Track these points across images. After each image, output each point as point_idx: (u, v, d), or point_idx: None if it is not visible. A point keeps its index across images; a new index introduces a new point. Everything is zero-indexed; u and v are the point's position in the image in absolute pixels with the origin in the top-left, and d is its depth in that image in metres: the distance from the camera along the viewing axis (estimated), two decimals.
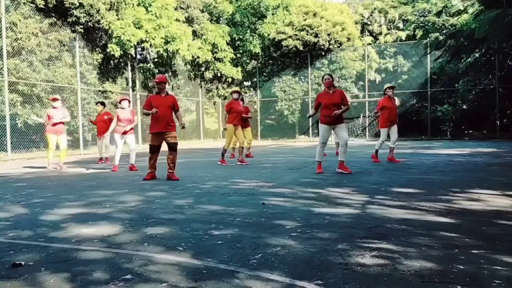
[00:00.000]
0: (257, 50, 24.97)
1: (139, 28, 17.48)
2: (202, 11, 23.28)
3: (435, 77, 22.85)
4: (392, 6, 28.24)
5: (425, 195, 4.53)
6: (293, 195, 4.78)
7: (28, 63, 14.13)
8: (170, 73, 21.41)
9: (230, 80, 24.82)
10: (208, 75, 23.86)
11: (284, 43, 23.83)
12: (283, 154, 12.73)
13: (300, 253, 2.58)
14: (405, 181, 5.80)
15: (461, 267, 2.26)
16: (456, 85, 22.32)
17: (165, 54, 19.36)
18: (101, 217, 3.81)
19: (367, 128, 23.38)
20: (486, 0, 13.92)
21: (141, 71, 20.39)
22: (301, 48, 23.68)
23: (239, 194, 4.96)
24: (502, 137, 19.72)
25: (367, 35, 27.18)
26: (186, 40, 19.73)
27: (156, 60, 20.60)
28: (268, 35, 24.44)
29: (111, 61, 18.37)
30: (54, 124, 9.21)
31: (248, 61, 26.36)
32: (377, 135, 21.87)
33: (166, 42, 18.81)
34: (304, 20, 24.00)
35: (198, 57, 21.40)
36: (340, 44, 23.81)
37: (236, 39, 24.81)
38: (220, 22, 25.79)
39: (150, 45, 18.26)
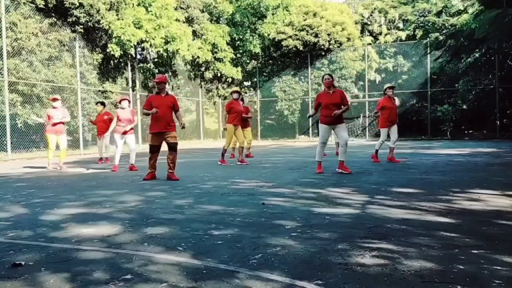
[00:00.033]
0: (257, 50, 24.97)
1: (139, 28, 17.48)
2: (202, 11, 23.28)
3: (435, 77, 22.85)
4: (392, 6, 28.25)
5: (425, 195, 4.53)
6: (293, 195, 4.78)
7: (28, 63, 14.13)
8: (170, 73, 21.41)
9: (230, 80, 24.82)
10: (208, 75, 23.86)
11: (284, 43, 23.83)
12: (283, 154, 12.73)
13: (300, 253, 2.58)
14: (405, 181, 5.80)
15: (461, 267, 2.26)
16: (456, 85, 22.32)
17: (165, 54, 19.36)
18: (101, 217, 3.81)
19: (367, 128, 23.38)
20: (486, 0, 13.92)
21: (141, 71, 20.39)
22: (301, 48, 23.68)
23: (239, 194, 4.96)
24: (502, 137, 19.73)
25: (367, 35, 27.18)
26: (186, 40, 19.73)
27: (156, 60, 20.60)
28: (268, 35, 24.44)
29: (111, 61, 18.37)
30: (54, 124, 9.21)
31: (248, 61, 26.36)
32: (377, 135, 21.86)
33: (166, 42, 18.81)
34: (304, 20, 24.00)
35: (198, 57, 21.40)
36: (340, 44, 23.82)
37: (236, 39, 24.81)
38: (220, 22, 25.80)
39: (150, 45, 18.26)
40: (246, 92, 26.39)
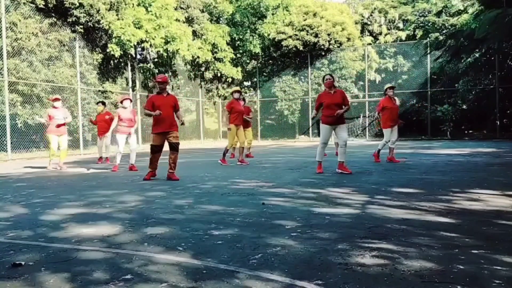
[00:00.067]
0: (257, 50, 24.98)
1: (139, 28, 17.48)
2: (202, 11, 23.29)
3: (435, 77, 22.86)
4: (392, 6, 28.25)
5: (425, 195, 4.53)
6: (293, 195, 4.78)
7: (28, 63, 14.13)
8: (170, 73, 21.42)
9: (230, 80, 24.83)
10: (208, 75, 23.86)
11: (284, 43, 23.83)
12: (283, 154, 12.73)
13: (300, 253, 2.58)
14: (405, 181, 5.80)
15: (461, 267, 2.26)
16: (456, 85, 22.33)
17: (165, 54, 19.37)
18: (101, 217, 3.81)
19: (367, 128, 23.38)
20: (486, 0, 13.91)
21: (141, 71, 20.39)
22: (301, 48, 23.69)
23: (239, 194, 4.96)
24: (502, 137, 19.73)
25: (367, 35, 27.19)
26: (186, 40, 19.73)
27: (156, 60, 20.61)
28: (268, 35, 24.44)
29: (111, 61, 18.37)
30: (59, 126, 9.20)
31: (248, 61, 26.37)
32: (377, 135, 21.90)
33: (166, 42, 18.82)
34: (304, 20, 24.00)
35: (198, 57, 21.41)
36: (340, 44, 23.82)
37: (236, 39, 24.81)
38: (220, 22, 25.80)
39: (150, 45, 18.27)
40: (246, 92, 26.39)
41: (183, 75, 24.52)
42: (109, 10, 16.70)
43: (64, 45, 15.50)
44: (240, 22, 24.98)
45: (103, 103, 11.70)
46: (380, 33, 27.38)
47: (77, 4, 15.40)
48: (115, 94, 18.03)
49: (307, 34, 23.48)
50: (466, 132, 22.62)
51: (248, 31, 25.05)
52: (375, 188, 5.15)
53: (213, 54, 22.70)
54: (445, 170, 6.98)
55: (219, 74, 23.70)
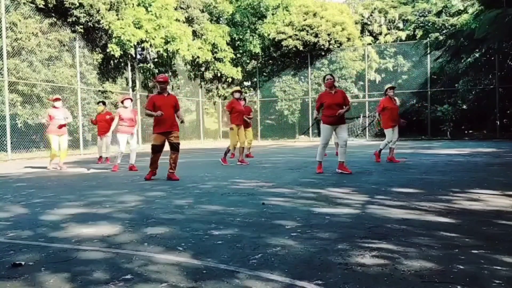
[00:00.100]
0: (257, 50, 24.98)
1: (139, 28, 17.48)
2: (202, 11, 23.29)
3: (435, 77, 22.85)
4: (392, 6, 28.25)
5: (425, 195, 4.53)
6: (293, 195, 4.78)
7: (28, 63, 14.13)
8: (170, 73, 21.42)
9: (230, 80, 24.83)
10: (208, 75, 23.86)
11: (284, 43, 23.83)
12: (283, 154, 12.73)
13: (300, 253, 2.58)
14: (405, 181, 5.80)
15: (461, 267, 2.26)
16: (456, 85, 22.32)
17: (165, 54, 19.37)
18: (101, 217, 3.81)
19: (367, 128, 23.38)
20: (486, 0, 13.91)
21: (141, 71, 20.39)
22: (301, 48, 23.68)
23: (239, 194, 4.96)
24: (502, 137, 19.73)
25: (367, 35, 27.18)
26: (186, 40, 19.74)
27: (156, 60, 20.61)
28: (268, 35, 24.44)
29: (111, 61, 18.37)
30: (61, 126, 9.20)
31: (248, 61, 26.37)
32: (377, 135, 21.90)
33: (166, 42, 18.82)
34: (304, 20, 24.00)
35: (198, 57, 21.41)
36: (340, 44, 23.82)
37: (236, 39, 24.82)
38: (220, 22, 25.80)
39: (150, 45, 18.27)
40: (246, 92, 26.40)
41: (183, 75, 24.52)
42: (109, 10, 16.70)
43: (64, 45, 15.50)
44: (240, 22, 24.98)
45: (104, 103, 11.71)
46: (380, 33, 27.38)
47: (77, 4, 15.40)
48: (115, 94, 18.04)
49: (307, 34, 23.48)
50: (466, 132, 22.62)
51: (248, 31, 25.05)
52: (375, 188, 5.15)
53: (213, 54, 22.70)
54: (445, 170, 6.98)
55: (219, 74, 23.70)
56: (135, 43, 17.32)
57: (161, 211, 4.02)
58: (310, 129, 24.61)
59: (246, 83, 27.64)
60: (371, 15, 27.91)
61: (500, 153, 10.67)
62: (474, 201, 4.15)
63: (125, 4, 17.35)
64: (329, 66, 24.14)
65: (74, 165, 10.46)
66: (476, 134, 21.94)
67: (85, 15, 15.72)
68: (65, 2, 15.20)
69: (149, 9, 18.60)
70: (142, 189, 5.65)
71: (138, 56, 20.60)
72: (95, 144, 16.87)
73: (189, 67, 23.08)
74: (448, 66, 21.66)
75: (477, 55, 20.36)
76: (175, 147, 6.73)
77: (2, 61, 12.80)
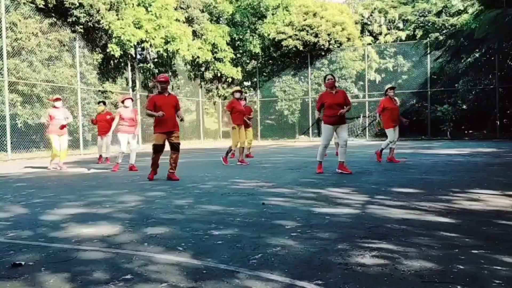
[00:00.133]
0: (257, 50, 24.97)
1: (139, 28, 17.48)
2: (202, 11, 23.28)
3: (435, 77, 22.85)
4: (392, 6, 28.24)
5: (425, 195, 4.53)
6: (293, 195, 4.78)
7: (28, 63, 14.13)
8: (170, 73, 21.41)
9: (230, 80, 24.83)
10: (208, 75, 23.86)
11: (284, 43, 23.83)
12: (283, 154, 12.73)
13: (300, 253, 2.58)
14: (405, 181, 5.80)
15: (461, 267, 2.26)
16: (456, 85, 22.32)
17: (165, 54, 19.37)
18: (101, 217, 3.81)
19: (367, 128, 23.38)
20: (486, 0, 13.91)
21: (141, 71, 20.39)
22: (301, 48, 23.68)
23: (239, 194, 4.96)
24: (502, 137, 19.73)
25: (367, 35, 27.18)
26: (186, 40, 19.73)
27: (156, 60, 20.61)
28: (268, 35, 24.44)
29: (111, 61, 18.37)
30: (63, 127, 9.20)
31: (248, 61, 26.37)
32: (377, 135, 21.89)
33: (166, 42, 18.82)
34: (304, 20, 24.00)
35: (198, 57, 21.40)
36: (340, 44, 23.82)
37: (236, 39, 24.81)
38: (220, 22, 25.80)
39: (150, 45, 18.27)
40: (246, 92, 26.40)
41: (183, 75, 24.53)
42: (109, 10, 16.70)
43: (64, 45, 15.50)
44: (240, 22, 24.98)
45: (104, 103, 11.72)
46: (380, 33, 27.37)
47: (77, 4, 15.40)
48: (115, 94, 18.03)
49: (307, 34, 23.48)
50: (466, 132, 22.61)
51: (248, 31, 25.05)
52: (375, 188, 5.15)
53: (213, 54, 22.70)
54: (445, 170, 6.98)
55: (219, 74, 23.70)
56: (135, 43, 17.32)
57: (161, 211, 4.02)
58: (310, 129, 24.61)
59: (246, 83, 27.64)
60: (371, 15, 27.91)
61: (500, 153, 10.67)
62: (474, 201, 4.15)
63: (125, 4, 17.35)
64: (329, 66, 24.14)
65: (74, 165, 10.46)
66: (476, 134, 21.94)
67: (85, 15, 15.72)
68: (65, 2, 15.20)
69: (149, 9, 18.60)
70: (142, 189, 5.65)
71: (138, 56, 20.60)
72: (95, 144, 16.86)
73: (189, 67, 23.08)
74: (448, 66, 21.65)
75: (477, 55, 20.35)
76: (175, 147, 6.73)
77: (2, 61, 12.80)
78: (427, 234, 2.93)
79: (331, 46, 23.61)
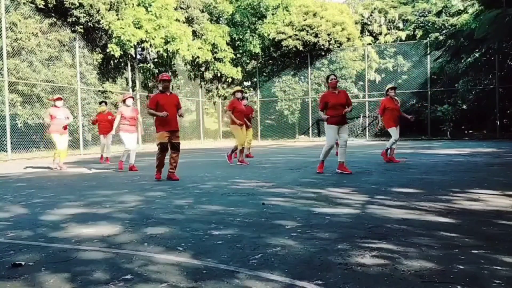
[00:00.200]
0: (257, 50, 24.97)
1: (139, 28, 17.48)
2: (202, 11, 23.28)
3: (435, 77, 22.84)
4: (392, 6, 28.24)
5: (425, 195, 4.53)
6: (293, 195, 4.78)
7: (28, 63, 14.13)
8: (170, 73, 21.41)
9: (230, 80, 24.83)
10: (208, 75, 23.86)
11: (284, 43, 23.83)
12: (283, 154, 12.73)
13: (300, 253, 2.58)
14: (405, 181, 5.80)
15: (461, 267, 2.26)
16: (456, 85, 22.32)
17: (165, 54, 19.36)
18: (101, 217, 3.81)
19: (367, 128, 23.38)
20: (486, 0, 13.90)
21: (141, 71, 20.39)
22: (301, 48, 23.68)
23: (239, 194, 4.96)
24: (502, 137, 19.72)
25: (367, 35, 27.17)
26: (186, 40, 19.73)
27: (156, 60, 20.61)
28: (268, 35, 24.44)
29: (111, 61, 18.37)
30: (66, 127, 9.21)
31: (248, 61, 26.36)
32: (377, 135, 21.89)
33: (166, 42, 18.81)
34: (304, 20, 24.00)
35: (198, 57, 21.40)
36: (340, 44, 23.81)
37: (236, 39, 24.81)
38: (220, 22, 25.80)
39: (150, 45, 18.26)
40: (246, 92, 26.39)
41: (183, 75, 24.52)
42: (109, 10, 16.70)
43: (64, 45, 15.50)
44: (240, 22, 24.98)
45: (105, 103, 11.74)
46: (380, 33, 27.36)
47: (77, 4, 15.40)
48: (115, 94, 18.03)
49: (307, 34, 23.48)
50: (466, 132, 22.61)
51: (248, 31, 25.04)
52: (375, 188, 5.15)
53: (213, 54, 22.70)
54: (445, 170, 6.98)
55: (219, 74, 23.70)
56: (135, 43, 17.32)
57: (161, 211, 4.02)
58: (310, 129, 24.60)
59: (246, 83, 27.64)
60: (371, 15, 27.91)
61: (500, 153, 10.67)
62: (474, 201, 4.15)
63: (125, 4, 17.35)
64: (329, 66, 24.14)
65: (74, 165, 10.46)
66: (476, 134, 21.93)
67: (85, 15, 15.72)
68: (65, 2, 15.20)
69: (149, 9, 18.60)
70: (142, 189, 5.65)
71: (138, 56, 20.60)
72: (95, 144, 16.89)
73: (189, 67, 23.07)
74: (448, 66, 21.64)
75: (477, 55, 20.34)
76: (176, 147, 6.73)
77: (2, 61, 12.80)
78: (427, 234, 2.93)
79: (331, 46, 23.61)
